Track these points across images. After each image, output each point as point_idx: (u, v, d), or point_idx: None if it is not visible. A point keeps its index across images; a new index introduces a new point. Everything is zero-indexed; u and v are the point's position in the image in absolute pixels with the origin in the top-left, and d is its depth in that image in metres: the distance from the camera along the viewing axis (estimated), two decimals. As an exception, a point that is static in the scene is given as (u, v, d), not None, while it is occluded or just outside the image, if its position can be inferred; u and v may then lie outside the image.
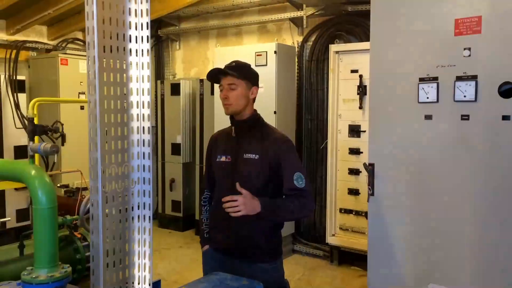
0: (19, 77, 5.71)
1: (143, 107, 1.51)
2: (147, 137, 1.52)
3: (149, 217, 1.54)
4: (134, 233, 1.53)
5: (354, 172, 4.79)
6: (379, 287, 2.76)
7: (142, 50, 1.49)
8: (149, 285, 1.55)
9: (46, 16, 5.60)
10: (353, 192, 4.82)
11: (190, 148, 6.30)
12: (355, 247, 4.75)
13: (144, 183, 1.53)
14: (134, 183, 1.51)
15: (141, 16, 1.48)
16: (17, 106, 5.50)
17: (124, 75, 1.45)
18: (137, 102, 1.50)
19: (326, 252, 5.14)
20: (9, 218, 4.33)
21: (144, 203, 1.54)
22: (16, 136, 5.51)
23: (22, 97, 5.58)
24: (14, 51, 5.81)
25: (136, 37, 1.47)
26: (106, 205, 1.41)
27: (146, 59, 1.48)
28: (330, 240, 4.93)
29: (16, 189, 5.14)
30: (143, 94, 1.51)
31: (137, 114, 1.50)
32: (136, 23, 1.46)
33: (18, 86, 5.63)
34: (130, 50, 1.46)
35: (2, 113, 5.53)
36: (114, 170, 1.44)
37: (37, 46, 6.22)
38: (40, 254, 1.80)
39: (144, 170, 1.53)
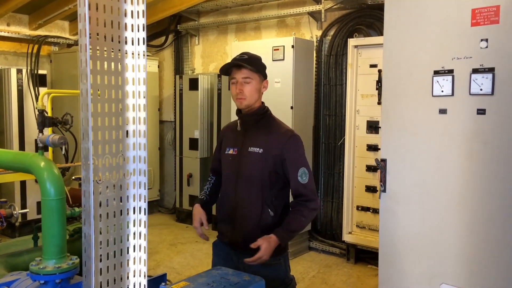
0: (40, 71, 5.81)
1: (139, 97, 1.49)
2: (143, 127, 1.50)
3: (145, 209, 1.52)
4: (129, 225, 1.51)
5: (371, 169, 4.70)
6: (390, 285, 2.68)
7: (138, 38, 1.46)
8: (145, 278, 1.53)
9: (67, 11, 5.67)
10: (371, 189, 4.73)
11: (207, 143, 6.30)
12: (372, 245, 4.66)
13: (140, 175, 1.51)
14: (129, 174, 1.49)
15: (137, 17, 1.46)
16: (38, 100, 5.59)
17: (119, 64, 1.43)
18: (133, 92, 1.47)
19: (342, 250, 5.07)
20: (28, 210, 4.42)
21: (139, 195, 1.52)
22: (37, 129, 5.61)
23: (43, 92, 5.68)
24: (36, 46, 5.90)
25: (132, 25, 1.44)
26: (100, 196, 1.38)
27: (142, 34, 1.46)
28: (347, 237, 4.85)
29: (36, 181, 5.23)
30: (139, 84, 1.48)
31: (133, 104, 1.48)
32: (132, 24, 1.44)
33: (39, 80, 5.73)
34: (126, 38, 1.44)
35: (24, 107, 5.64)
36: (108, 160, 1.42)
37: (59, 41, 6.32)
38: (48, 245, 1.81)
39: (140, 161, 1.51)
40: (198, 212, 2.45)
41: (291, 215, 2.28)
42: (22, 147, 5.60)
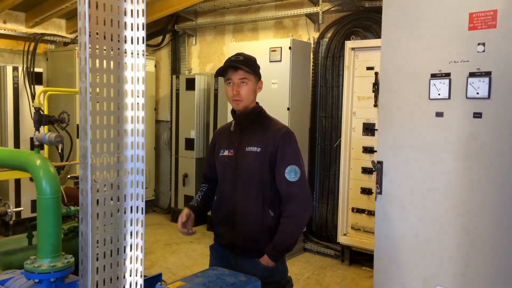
0: (36, 70, 5.79)
1: (137, 96, 1.49)
2: (141, 126, 1.50)
3: (142, 208, 1.52)
4: (126, 224, 1.51)
5: (367, 171, 4.71)
6: (385, 287, 2.69)
7: (138, 37, 1.46)
8: (141, 277, 1.53)
9: (63, 9, 5.65)
10: (366, 191, 4.74)
11: (203, 143, 6.30)
12: (366, 247, 4.67)
13: (137, 174, 1.51)
14: (127, 173, 1.48)
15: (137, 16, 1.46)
16: (34, 98, 5.57)
17: (118, 62, 1.42)
18: (132, 91, 1.47)
19: (337, 252, 5.08)
20: (22, 208, 4.39)
21: (137, 194, 1.51)
22: (33, 127, 5.58)
23: (39, 90, 5.66)
24: (33, 44, 5.88)
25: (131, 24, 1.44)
26: (97, 195, 1.38)
27: (142, 33, 1.46)
28: (342, 239, 4.86)
29: (31, 179, 5.21)
30: (138, 83, 1.48)
31: (132, 103, 1.48)
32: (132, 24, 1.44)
33: (35, 78, 5.70)
34: (125, 37, 1.43)
35: (20, 105, 5.62)
36: (106, 159, 1.41)
37: (55, 39, 6.30)
38: (43, 244, 1.80)
39: (137, 161, 1.50)
40: (184, 212, 2.45)
41: (277, 234, 2.26)
42: (17, 145, 5.58)
